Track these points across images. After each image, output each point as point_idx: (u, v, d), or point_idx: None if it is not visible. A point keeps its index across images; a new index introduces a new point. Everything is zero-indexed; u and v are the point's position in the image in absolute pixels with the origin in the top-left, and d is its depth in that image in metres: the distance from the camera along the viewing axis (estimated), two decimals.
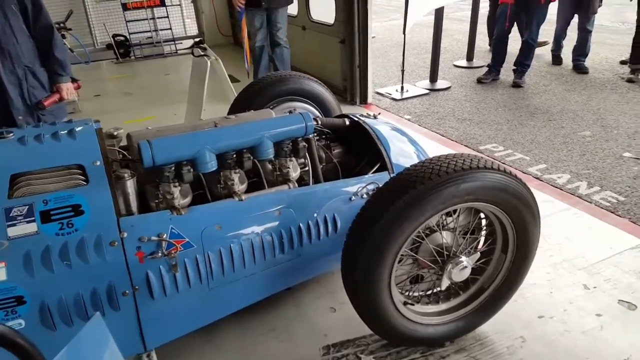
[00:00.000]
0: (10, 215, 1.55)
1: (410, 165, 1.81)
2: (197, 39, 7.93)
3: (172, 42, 7.93)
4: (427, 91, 5.79)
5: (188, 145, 1.82)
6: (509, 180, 1.79)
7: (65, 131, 1.80)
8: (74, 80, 2.72)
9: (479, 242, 2.03)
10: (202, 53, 3.88)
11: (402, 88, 5.77)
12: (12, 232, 1.53)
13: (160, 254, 1.69)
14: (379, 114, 2.68)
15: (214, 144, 1.86)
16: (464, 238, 1.96)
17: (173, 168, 1.80)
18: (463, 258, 1.89)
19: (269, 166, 2.11)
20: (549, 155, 4.03)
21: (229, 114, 2.91)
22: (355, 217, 1.81)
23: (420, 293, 2.05)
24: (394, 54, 7.59)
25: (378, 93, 5.79)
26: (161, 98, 5.62)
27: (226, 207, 1.88)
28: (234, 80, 5.68)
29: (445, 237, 1.92)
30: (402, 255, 1.84)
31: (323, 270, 2.25)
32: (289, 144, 2.05)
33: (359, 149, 2.47)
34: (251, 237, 1.89)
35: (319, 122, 2.42)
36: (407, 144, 2.56)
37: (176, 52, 7.92)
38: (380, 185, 1.87)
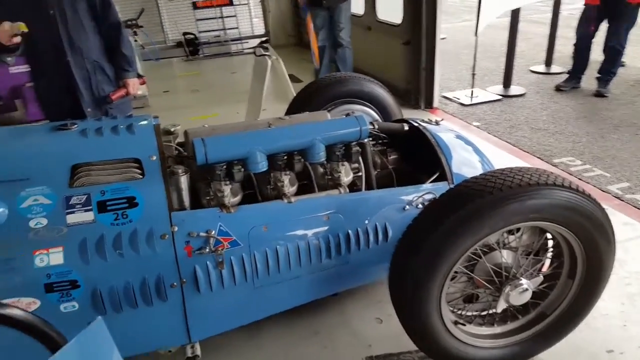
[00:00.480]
0: (70, 203, 1.62)
1: (471, 177, 1.70)
2: (262, 39, 8.09)
3: (239, 41, 8.13)
4: (500, 97, 5.50)
5: (240, 144, 1.83)
6: (580, 200, 1.62)
7: (125, 126, 1.86)
8: (139, 76, 2.82)
9: (543, 264, 1.86)
10: (264, 52, 3.92)
11: (472, 93, 5.53)
12: (70, 219, 1.60)
13: (207, 250, 1.70)
14: (442, 120, 2.55)
15: (265, 144, 1.85)
16: (527, 259, 1.81)
17: (225, 166, 1.81)
18: (523, 281, 1.74)
19: (321, 169, 2.06)
20: (633, 173, 3.66)
21: (286, 114, 2.91)
22: (406, 228, 1.72)
23: (474, 313, 1.92)
24: (465, 56, 7.29)
25: (445, 97, 5.59)
26: (226, 96, 5.77)
27: (274, 209, 1.86)
28: (296, 80, 5.73)
29: (506, 257, 1.78)
30: (455, 272, 1.73)
31: (371, 279, 2.18)
32: (341, 147, 2.00)
33: (418, 156, 2.37)
34: (298, 240, 1.85)
35: (376, 126, 2.35)
36: (471, 153, 2.42)
37: (243, 51, 8.11)
38: (438, 196, 1.77)
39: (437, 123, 2.50)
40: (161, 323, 1.74)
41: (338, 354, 2.03)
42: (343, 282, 2.08)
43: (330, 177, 2.04)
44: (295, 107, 2.91)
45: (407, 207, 2.05)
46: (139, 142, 1.81)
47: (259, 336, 2.12)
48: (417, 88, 5.23)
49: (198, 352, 1.79)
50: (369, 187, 2.17)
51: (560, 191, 1.58)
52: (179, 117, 5.07)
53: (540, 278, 1.80)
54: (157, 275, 1.66)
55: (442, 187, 2.11)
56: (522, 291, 1.73)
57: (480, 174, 1.68)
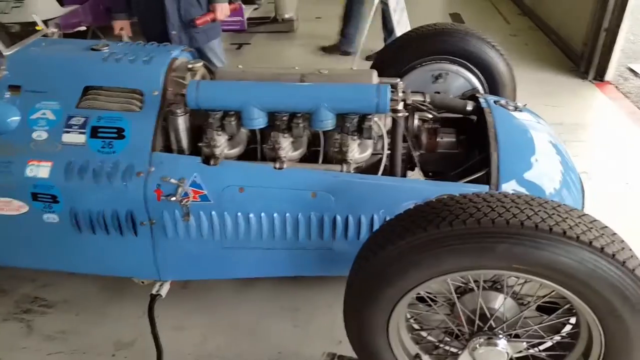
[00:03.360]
0: (69, 122, 1.73)
1: (457, 194, 1.31)
2: None
3: None
4: None
5: (234, 95, 1.71)
6: (604, 265, 1.12)
7: (145, 56, 1.86)
8: (230, 2, 2.74)
9: (559, 326, 1.40)
10: None
11: None
12: (65, 138, 1.72)
13: (174, 198, 1.67)
14: (525, 105, 1.98)
15: (261, 100, 1.68)
16: (523, 313, 1.37)
17: (218, 115, 1.72)
18: (501, 340, 1.32)
19: (335, 139, 1.81)
20: None
21: (372, 66, 2.58)
22: (373, 232, 1.44)
23: (453, 350, 1.56)
24: None
25: (630, 70, 4.39)
26: (376, 31, 5.41)
27: (258, 172, 1.72)
28: (460, 21, 5.05)
29: (491, 302, 1.37)
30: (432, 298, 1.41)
31: None
32: (353, 119, 1.71)
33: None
34: (274, 212, 1.71)
35: (428, 99, 1.94)
36: (557, 164, 1.85)
37: None
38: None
39: (516, 108, 1.96)
40: (133, 254, 1.82)
41: (303, 339, 1.90)
42: (327, 268, 1.88)
43: (337, 150, 1.79)
44: (382, 60, 2.57)
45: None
46: (147, 75, 1.80)
47: (246, 292, 2.09)
48: (592, 53, 4.20)
49: (163, 292, 1.82)
50: (392, 171, 1.84)
51: (569, 246, 1.12)
52: (316, 47, 4.98)
53: (522, 344, 1.36)
54: (127, 210, 1.71)
55: (477, 191, 1.67)
56: (494, 353, 1.33)
57: (468, 194, 1.28)
